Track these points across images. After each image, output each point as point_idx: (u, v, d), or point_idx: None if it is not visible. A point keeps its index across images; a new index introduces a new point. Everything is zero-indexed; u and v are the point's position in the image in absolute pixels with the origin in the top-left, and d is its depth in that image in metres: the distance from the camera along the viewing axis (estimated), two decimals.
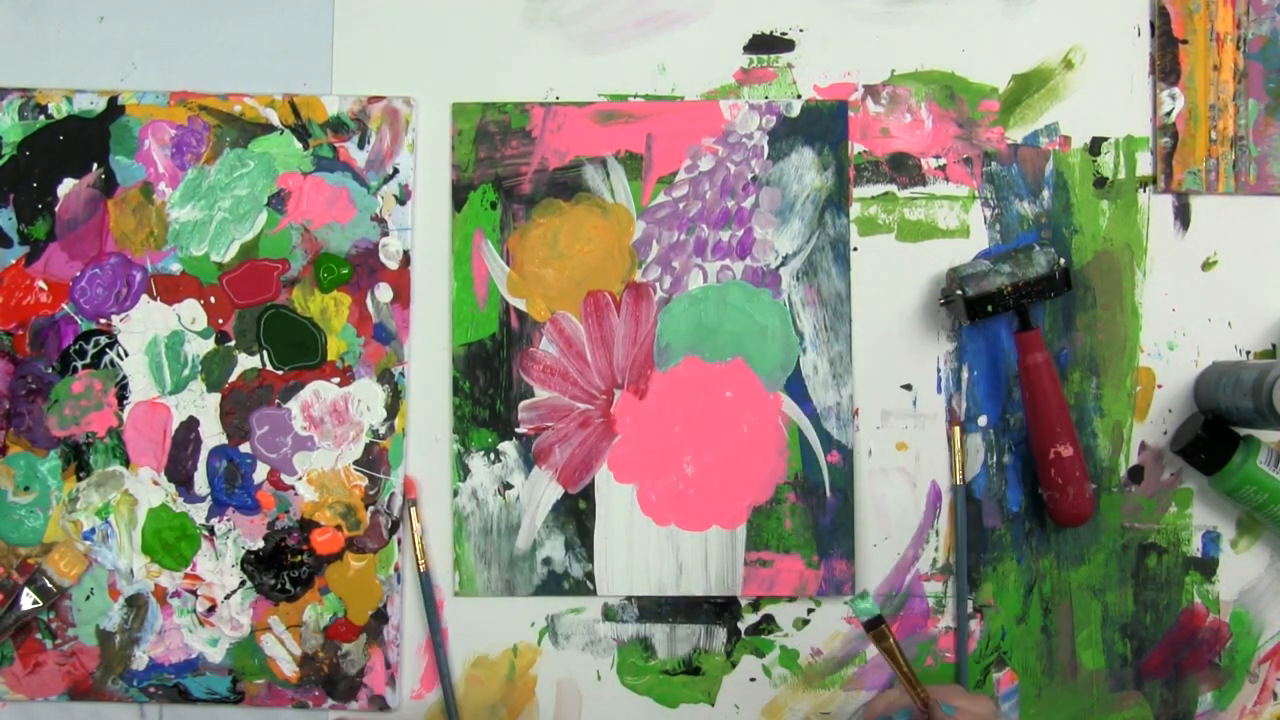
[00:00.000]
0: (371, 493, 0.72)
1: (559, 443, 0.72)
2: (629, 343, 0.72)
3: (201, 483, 0.72)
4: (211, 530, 0.72)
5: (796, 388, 0.72)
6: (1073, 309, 0.72)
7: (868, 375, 0.72)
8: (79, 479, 0.72)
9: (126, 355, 0.72)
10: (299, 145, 0.72)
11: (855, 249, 0.73)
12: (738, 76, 0.73)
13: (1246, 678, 0.72)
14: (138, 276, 0.72)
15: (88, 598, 0.72)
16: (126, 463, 0.72)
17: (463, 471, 0.72)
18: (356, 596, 0.72)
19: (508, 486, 0.72)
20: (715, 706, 0.72)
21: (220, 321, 0.72)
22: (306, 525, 0.72)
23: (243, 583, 0.72)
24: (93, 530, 0.72)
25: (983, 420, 0.72)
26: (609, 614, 0.72)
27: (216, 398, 0.72)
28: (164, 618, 0.72)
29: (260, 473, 0.72)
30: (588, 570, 0.72)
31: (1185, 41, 0.73)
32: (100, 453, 0.72)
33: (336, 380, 0.72)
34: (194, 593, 0.72)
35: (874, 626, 0.61)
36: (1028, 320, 0.70)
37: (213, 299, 0.72)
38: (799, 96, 0.73)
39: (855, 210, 0.73)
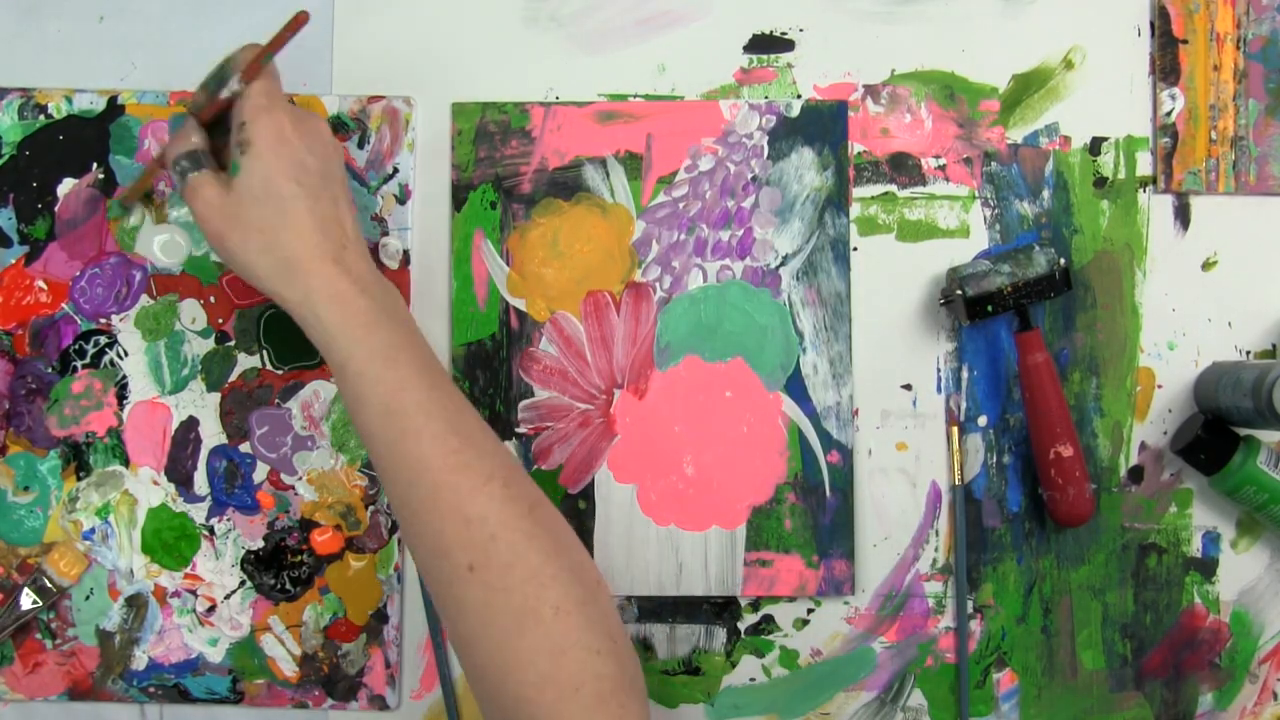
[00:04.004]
0: (371, 493, 0.72)
1: (559, 443, 0.72)
2: (629, 342, 0.72)
3: (201, 483, 0.72)
4: (211, 530, 0.72)
5: (796, 388, 0.72)
6: (1073, 309, 0.72)
7: (868, 375, 0.72)
8: (79, 479, 0.72)
9: (126, 355, 0.72)
10: None
11: (855, 249, 0.73)
12: (738, 76, 0.73)
13: (1246, 678, 0.72)
14: (138, 276, 0.72)
15: (88, 598, 0.72)
16: (126, 462, 0.72)
17: None
18: (356, 596, 0.72)
19: None
20: (714, 706, 0.72)
21: (220, 321, 0.72)
22: (306, 525, 0.72)
23: (243, 583, 0.72)
24: (93, 530, 0.72)
25: (982, 420, 0.72)
26: None
27: (216, 397, 0.72)
28: (164, 618, 0.72)
29: (260, 473, 0.72)
30: None
31: (1185, 41, 0.73)
32: (100, 453, 0.72)
33: None
34: (194, 593, 0.72)
35: None
36: (1028, 320, 0.70)
37: (213, 299, 0.72)
38: (799, 96, 0.73)
39: (855, 210, 0.73)
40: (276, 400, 0.72)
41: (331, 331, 0.59)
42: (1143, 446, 0.72)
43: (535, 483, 0.61)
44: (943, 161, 0.73)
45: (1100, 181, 0.73)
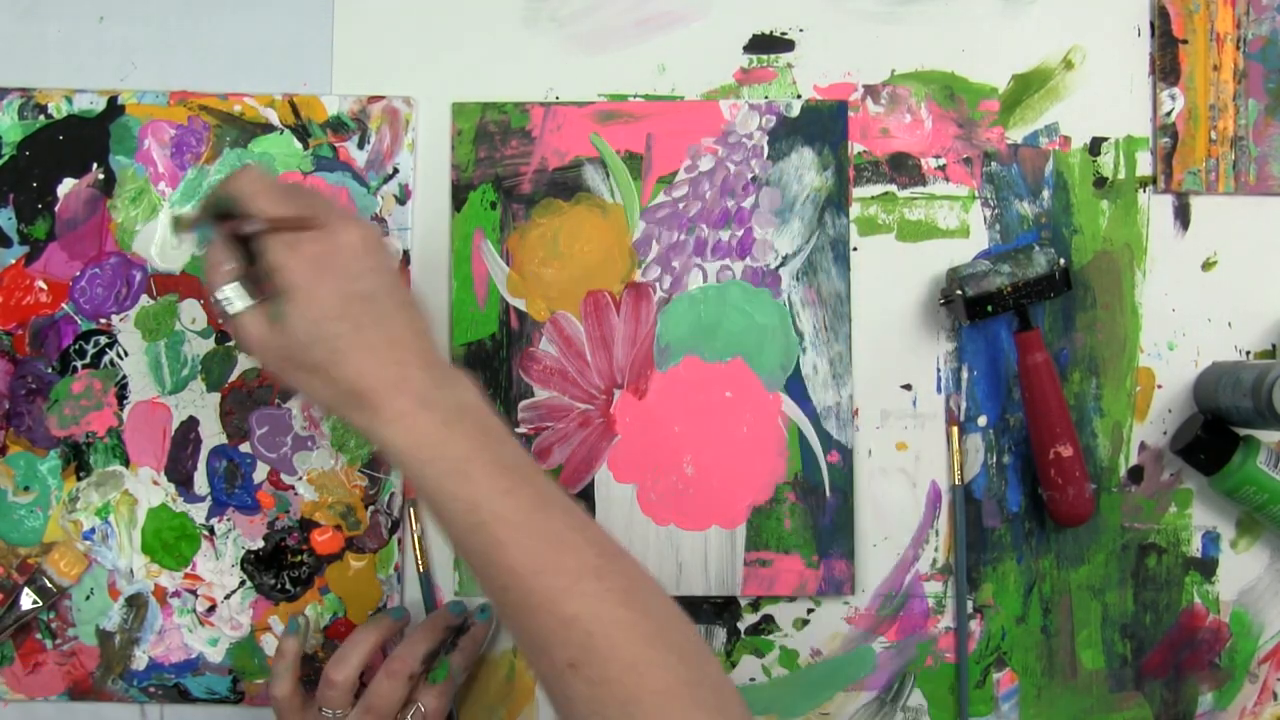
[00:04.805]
0: (371, 493, 0.72)
1: (559, 443, 0.72)
2: (629, 343, 0.72)
3: (201, 483, 0.72)
4: (211, 530, 0.72)
5: (796, 388, 0.72)
6: (1073, 309, 0.72)
7: (868, 375, 0.72)
8: (79, 479, 0.72)
9: (126, 355, 0.72)
10: (299, 145, 0.73)
11: (855, 249, 0.73)
12: (738, 76, 0.73)
13: (1246, 678, 0.72)
14: (138, 276, 0.72)
15: (88, 598, 0.72)
16: (126, 462, 0.72)
17: None
18: (356, 596, 0.72)
19: None
20: None
21: (220, 321, 0.72)
22: (306, 525, 0.72)
23: (243, 582, 0.72)
24: (93, 530, 0.72)
25: (982, 420, 0.72)
26: None
27: (216, 397, 0.72)
28: (164, 617, 0.72)
29: (260, 473, 0.72)
30: None
31: (1185, 41, 0.73)
32: (100, 452, 0.72)
33: None
34: (194, 593, 0.72)
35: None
36: (1028, 320, 0.70)
37: None
38: (799, 96, 0.73)
39: (855, 210, 0.73)
40: (276, 400, 0.72)
41: (400, 455, 0.57)
42: (1142, 446, 0.72)
43: (631, 560, 0.58)
44: (943, 161, 0.73)
45: (1100, 181, 0.73)
